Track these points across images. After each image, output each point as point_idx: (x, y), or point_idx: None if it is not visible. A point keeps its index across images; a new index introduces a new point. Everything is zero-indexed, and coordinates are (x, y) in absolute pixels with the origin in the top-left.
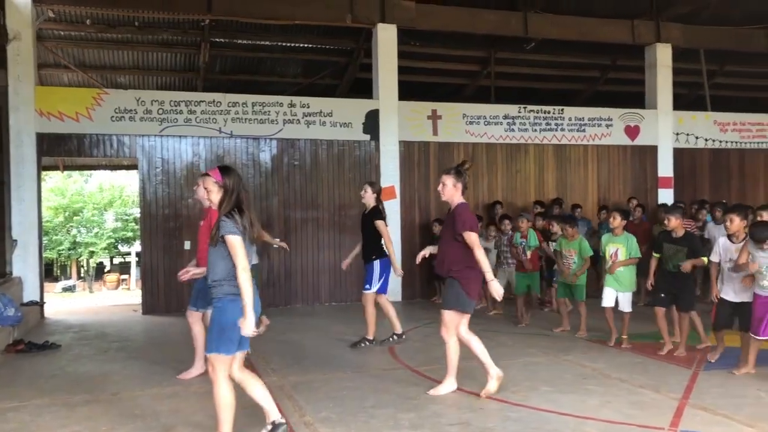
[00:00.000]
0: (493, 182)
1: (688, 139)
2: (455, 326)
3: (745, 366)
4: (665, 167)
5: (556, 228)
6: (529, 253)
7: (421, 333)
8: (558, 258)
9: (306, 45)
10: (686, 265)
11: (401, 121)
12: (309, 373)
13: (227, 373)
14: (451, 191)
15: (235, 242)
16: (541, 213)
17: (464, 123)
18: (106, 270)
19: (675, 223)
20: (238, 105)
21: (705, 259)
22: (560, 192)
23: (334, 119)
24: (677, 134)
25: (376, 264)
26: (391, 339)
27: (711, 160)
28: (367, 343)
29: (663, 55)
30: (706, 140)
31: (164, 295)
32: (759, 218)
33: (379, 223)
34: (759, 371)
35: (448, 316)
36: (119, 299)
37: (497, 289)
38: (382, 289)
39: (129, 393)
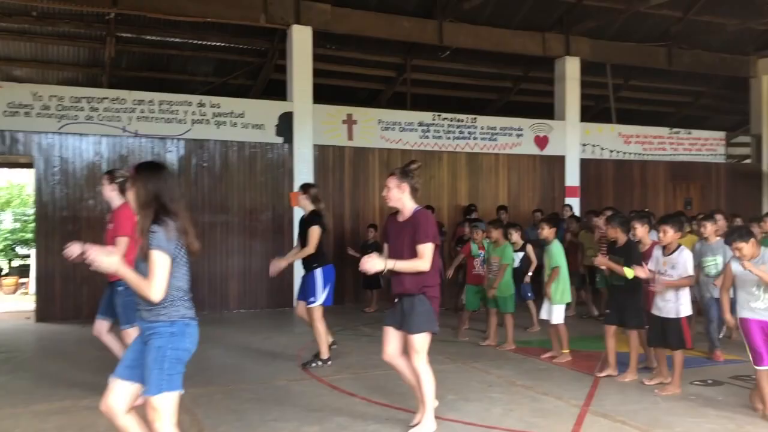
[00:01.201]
0: None
1: (594, 150)
2: (427, 350)
3: (659, 376)
4: (572, 177)
5: (477, 234)
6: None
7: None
8: (486, 265)
9: (218, 44)
10: (600, 260)
11: (316, 125)
12: (210, 385)
13: (176, 418)
14: (396, 194)
15: (161, 260)
16: (473, 219)
17: (380, 128)
18: (3, 273)
19: (615, 233)
20: (144, 103)
21: (628, 271)
22: (472, 199)
23: (246, 120)
24: (584, 145)
25: (318, 273)
26: (314, 364)
27: (615, 171)
28: (320, 363)
29: (572, 67)
30: (610, 151)
31: (60, 301)
32: (662, 233)
33: (312, 228)
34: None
35: (421, 340)
36: (14, 305)
37: (373, 263)
38: (328, 301)
39: (10, 410)
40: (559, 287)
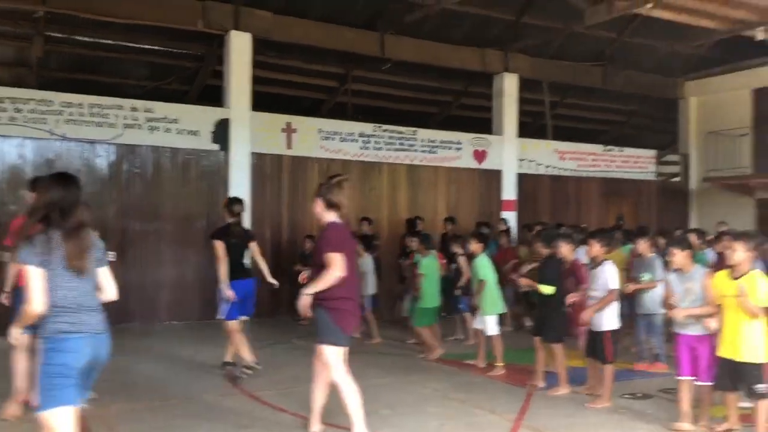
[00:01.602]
0: (348, 199)
1: (531, 165)
2: (341, 362)
3: (592, 389)
4: (509, 191)
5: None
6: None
7: (262, 355)
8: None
9: (153, 47)
10: (520, 279)
11: (254, 133)
12: (136, 401)
13: None
14: (317, 209)
15: (29, 273)
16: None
17: (319, 138)
18: None
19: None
20: (72, 105)
21: (543, 287)
22: (411, 211)
23: (181, 126)
24: (521, 160)
25: (222, 288)
26: (242, 375)
27: (551, 186)
28: (248, 371)
29: (510, 84)
30: (546, 167)
31: None
32: (589, 246)
33: (214, 243)
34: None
35: (327, 352)
36: None
37: (303, 305)
38: (231, 315)
39: None
40: (487, 299)
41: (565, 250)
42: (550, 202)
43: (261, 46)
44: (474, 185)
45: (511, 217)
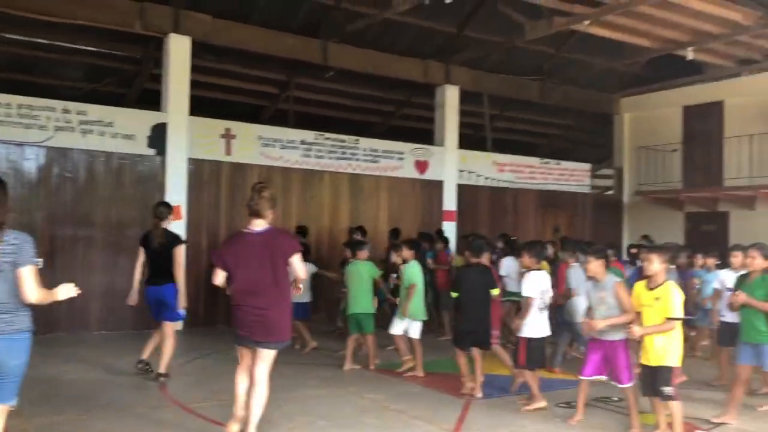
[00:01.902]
0: (288, 207)
1: (471, 177)
2: (241, 359)
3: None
4: (450, 201)
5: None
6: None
7: (198, 366)
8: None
9: (90, 48)
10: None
11: (192, 138)
12: (61, 414)
13: None
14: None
15: None
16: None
17: (260, 145)
18: None
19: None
20: (0, 106)
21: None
22: (353, 220)
23: (116, 130)
24: (461, 171)
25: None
26: (140, 366)
27: (490, 197)
28: (140, 366)
29: (451, 95)
30: (486, 178)
31: None
32: (522, 257)
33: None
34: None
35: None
36: None
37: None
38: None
39: None
40: (415, 304)
41: (484, 259)
42: (489, 213)
43: (200, 50)
44: (416, 195)
45: (451, 227)
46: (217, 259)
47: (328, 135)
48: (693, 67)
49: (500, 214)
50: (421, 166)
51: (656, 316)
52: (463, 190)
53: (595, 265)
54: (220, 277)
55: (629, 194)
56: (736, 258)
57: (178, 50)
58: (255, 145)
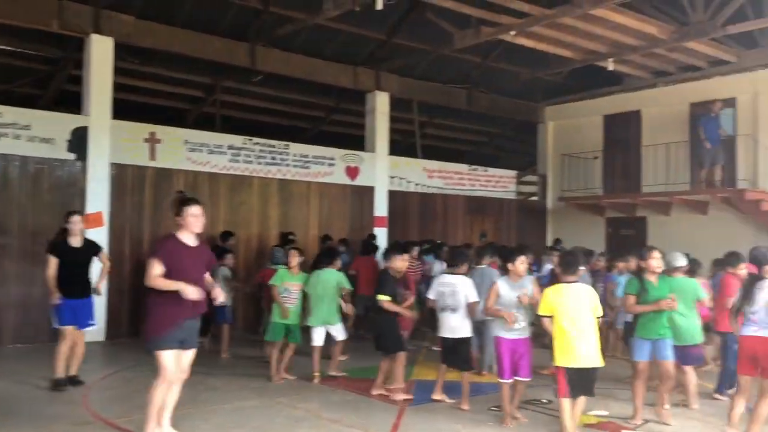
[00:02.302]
0: (215, 213)
1: (401, 183)
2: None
3: (440, 394)
4: (381, 207)
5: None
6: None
7: (121, 378)
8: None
9: (4, 47)
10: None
11: (114, 142)
12: None
13: None
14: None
15: None
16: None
17: (186, 149)
18: None
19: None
20: None
21: (382, 297)
22: (283, 226)
23: (33, 133)
24: (392, 177)
25: None
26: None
27: (420, 203)
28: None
29: (381, 102)
30: (416, 184)
31: None
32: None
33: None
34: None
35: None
36: None
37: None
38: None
39: None
40: (330, 309)
41: (398, 264)
42: (418, 219)
43: (123, 52)
44: (346, 201)
45: (382, 233)
46: (160, 258)
47: (257, 140)
48: (613, 77)
49: (430, 220)
50: (352, 172)
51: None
52: (393, 196)
53: (515, 266)
54: (158, 270)
55: (553, 200)
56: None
57: (100, 51)
58: (181, 149)
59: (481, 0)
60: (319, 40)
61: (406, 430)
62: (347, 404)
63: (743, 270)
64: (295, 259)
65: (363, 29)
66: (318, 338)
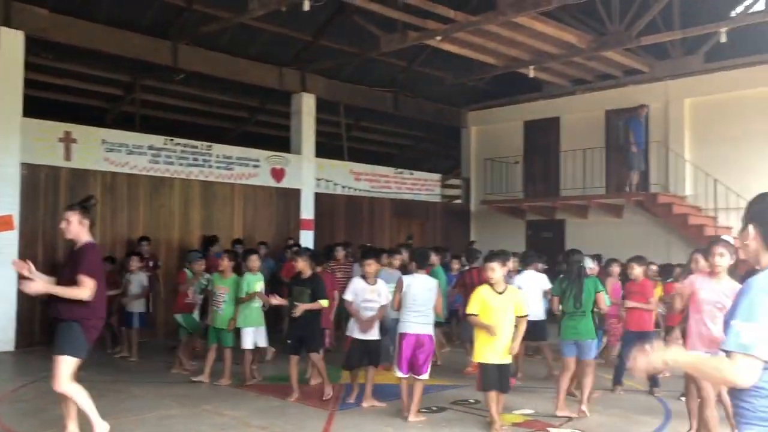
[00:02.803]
0: (134, 216)
1: (328, 185)
2: (71, 375)
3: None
4: (307, 210)
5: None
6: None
7: (34, 390)
8: (210, 297)
9: None
10: (299, 309)
11: (26, 141)
12: None
13: None
14: (76, 228)
15: None
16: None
17: (103, 150)
18: None
19: (302, 265)
20: None
21: (323, 302)
22: (206, 229)
23: None
24: (318, 180)
25: None
26: None
27: (346, 206)
28: None
29: (307, 104)
30: (342, 187)
31: None
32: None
33: None
34: (389, 406)
35: (64, 363)
36: None
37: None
38: None
39: None
40: (252, 313)
41: (301, 265)
42: (345, 222)
43: (36, 47)
44: (272, 203)
45: (309, 236)
46: (96, 273)
47: (178, 140)
48: (533, 84)
49: (356, 223)
50: (278, 174)
51: (507, 316)
52: (320, 198)
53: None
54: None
55: (476, 203)
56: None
57: (10, 45)
58: (98, 149)
59: (408, 4)
60: (244, 40)
61: None
62: (274, 410)
63: None
64: (225, 263)
65: (289, 30)
66: (248, 341)
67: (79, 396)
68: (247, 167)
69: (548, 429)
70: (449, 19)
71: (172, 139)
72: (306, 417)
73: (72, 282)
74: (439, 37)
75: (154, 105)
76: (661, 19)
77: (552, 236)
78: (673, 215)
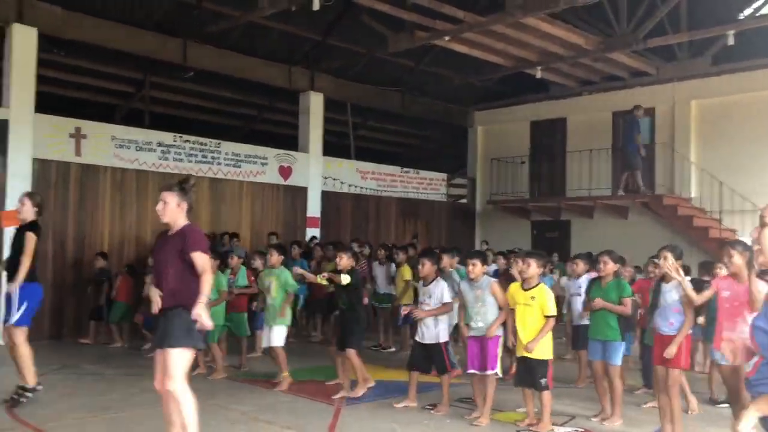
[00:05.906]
0: (143, 212)
1: (335, 184)
2: (186, 370)
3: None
4: (314, 208)
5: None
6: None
7: (47, 381)
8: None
9: None
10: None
11: (37, 137)
12: None
13: None
14: (174, 212)
15: None
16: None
17: (113, 146)
18: None
19: (345, 262)
20: None
21: (343, 277)
22: (214, 226)
23: None
24: (325, 178)
25: (18, 288)
26: (22, 399)
27: (353, 204)
28: (29, 395)
29: (315, 102)
30: (349, 186)
31: None
32: (422, 265)
33: (29, 234)
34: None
35: (178, 356)
36: None
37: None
38: (23, 321)
39: None
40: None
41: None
42: (351, 220)
43: (49, 44)
44: (279, 201)
45: (315, 233)
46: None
47: (187, 137)
48: (540, 85)
49: (363, 221)
50: (285, 172)
51: (533, 314)
52: (326, 196)
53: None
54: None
55: (481, 203)
56: (578, 266)
57: (23, 42)
58: (108, 146)
59: (416, 5)
60: (254, 38)
61: (343, 429)
62: (283, 405)
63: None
64: (274, 257)
65: (298, 29)
66: (265, 339)
67: (189, 404)
68: (255, 165)
69: (552, 427)
70: (458, 19)
71: (181, 136)
72: (313, 411)
73: (173, 268)
74: (447, 38)
75: (164, 102)
76: (668, 21)
77: (558, 236)
78: (678, 217)
